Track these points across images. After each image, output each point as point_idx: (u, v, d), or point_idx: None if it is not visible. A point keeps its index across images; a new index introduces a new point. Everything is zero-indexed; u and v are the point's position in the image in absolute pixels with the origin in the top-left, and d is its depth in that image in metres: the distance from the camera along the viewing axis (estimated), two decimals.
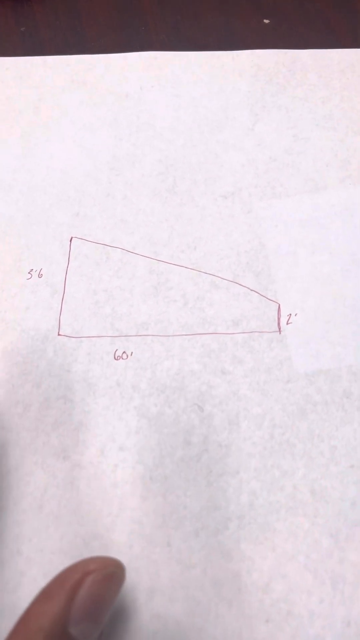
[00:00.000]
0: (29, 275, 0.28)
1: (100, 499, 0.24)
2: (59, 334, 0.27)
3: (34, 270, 0.29)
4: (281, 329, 0.27)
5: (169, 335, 0.27)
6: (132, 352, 0.26)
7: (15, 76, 0.34)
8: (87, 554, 0.23)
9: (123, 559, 0.22)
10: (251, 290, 0.27)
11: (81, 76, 0.34)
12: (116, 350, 0.26)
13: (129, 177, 0.31)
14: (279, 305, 0.27)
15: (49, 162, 0.31)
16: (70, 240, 0.29)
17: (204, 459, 0.24)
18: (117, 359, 0.26)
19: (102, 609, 0.18)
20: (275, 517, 0.23)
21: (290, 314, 0.27)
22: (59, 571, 0.18)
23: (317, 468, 0.24)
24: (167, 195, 0.30)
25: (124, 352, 0.26)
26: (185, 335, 0.27)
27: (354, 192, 0.29)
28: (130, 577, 0.22)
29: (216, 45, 0.36)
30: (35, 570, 0.22)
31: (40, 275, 0.28)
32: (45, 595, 0.17)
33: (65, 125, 0.32)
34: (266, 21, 0.36)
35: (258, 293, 0.27)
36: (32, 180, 0.31)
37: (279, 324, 0.27)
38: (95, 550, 0.23)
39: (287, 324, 0.27)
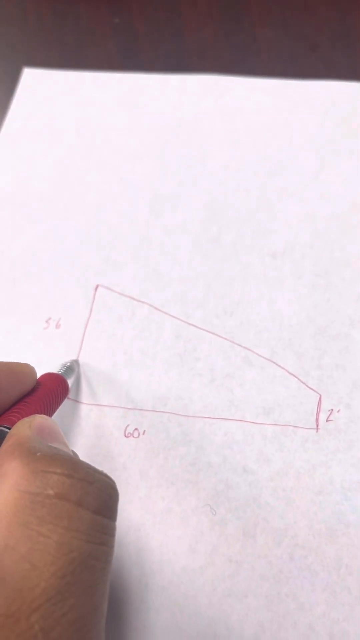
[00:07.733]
0: (46, 325, 0.26)
1: None
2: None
3: (51, 319, 0.26)
4: (319, 426, 0.23)
5: (189, 416, 0.23)
6: (144, 430, 0.23)
7: (61, 92, 0.31)
8: None
9: None
10: (290, 373, 0.24)
11: (132, 97, 0.31)
12: (127, 425, 0.24)
13: (169, 221, 0.27)
14: (320, 396, 0.23)
15: (84, 194, 0.28)
16: (96, 289, 0.26)
17: (209, 573, 0.21)
18: (127, 436, 0.23)
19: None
20: None
21: (333, 410, 0.23)
22: None
23: (340, 607, 0.20)
24: (208, 246, 0.26)
25: (135, 428, 0.23)
26: (208, 418, 0.23)
27: None
28: None
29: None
30: None
31: (57, 326, 0.26)
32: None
33: (107, 152, 0.29)
34: None
35: (297, 378, 0.24)
36: (64, 214, 0.28)
37: (317, 419, 0.23)
38: None
39: (327, 420, 0.23)
